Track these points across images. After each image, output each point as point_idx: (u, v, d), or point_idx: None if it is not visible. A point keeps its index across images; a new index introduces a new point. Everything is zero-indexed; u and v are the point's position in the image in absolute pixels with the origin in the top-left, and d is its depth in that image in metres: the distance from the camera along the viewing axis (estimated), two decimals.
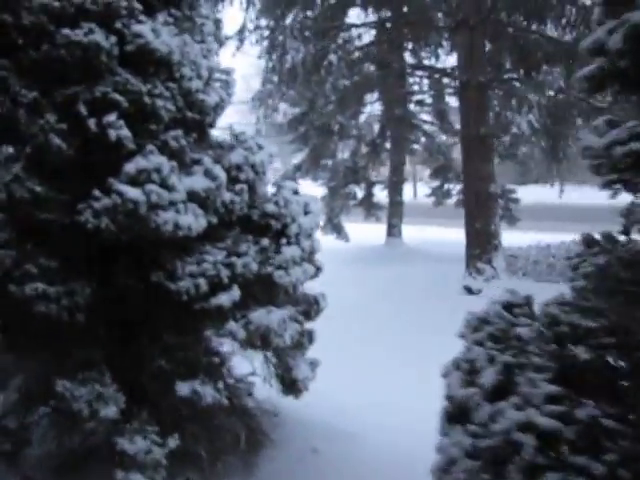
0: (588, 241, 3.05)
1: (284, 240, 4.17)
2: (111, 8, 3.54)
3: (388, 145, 16.62)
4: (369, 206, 16.47)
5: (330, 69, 10.99)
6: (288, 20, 10.95)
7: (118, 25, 3.58)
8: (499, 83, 10.56)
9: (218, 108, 4.30)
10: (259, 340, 3.88)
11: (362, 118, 16.19)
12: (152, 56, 3.57)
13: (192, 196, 3.59)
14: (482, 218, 9.96)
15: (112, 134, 3.36)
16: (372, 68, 15.17)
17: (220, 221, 3.87)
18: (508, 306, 2.94)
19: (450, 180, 16.43)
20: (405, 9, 13.70)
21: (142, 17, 3.68)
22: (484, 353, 2.34)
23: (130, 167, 3.39)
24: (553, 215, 18.46)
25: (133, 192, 3.31)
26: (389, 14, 14.21)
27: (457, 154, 16.93)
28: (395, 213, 15.99)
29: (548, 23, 11.12)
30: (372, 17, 13.52)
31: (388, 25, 14.36)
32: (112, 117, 3.37)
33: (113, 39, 3.48)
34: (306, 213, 4.38)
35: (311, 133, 14.33)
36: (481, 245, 10.03)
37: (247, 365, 4.51)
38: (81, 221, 3.34)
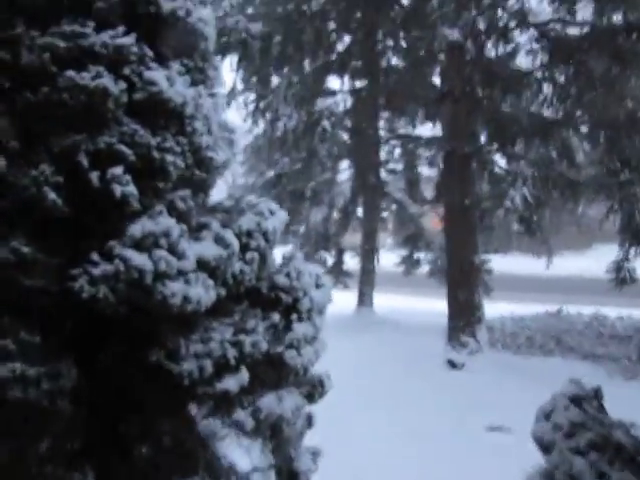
0: None
1: (295, 316, 3.73)
2: (121, 53, 3.18)
3: (360, 212, 16.52)
4: (338, 273, 16.16)
5: (324, 136, 10.86)
6: (278, 83, 10.86)
7: (127, 71, 3.21)
8: (485, 154, 10.63)
9: (223, 168, 3.95)
10: (269, 430, 3.39)
11: (335, 184, 16.11)
12: (164, 106, 3.20)
13: (201, 265, 3.15)
14: (465, 289, 9.74)
15: (117, 190, 2.93)
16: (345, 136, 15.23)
17: (228, 293, 3.43)
18: (576, 400, 2.58)
19: (420, 249, 16.37)
20: (382, 79, 13.88)
21: (153, 64, 3.34)
22: (588, 466, 1.94)
23: (136, 229, 2.95)
24: (521, 285, 18.50)
25: (139, 258, 2.86)
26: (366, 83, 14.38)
27: (427, 223, 16.97)
28: (367, 281, 15.70)
29: (525, 98, 11.34)
30: (354, 84, 13.63)
31: (364, 94, 14.50)
32: (118, 170, 2.95)
33: (123, 85, 3.10)
34: (318, 286, 3.98)
35: (284, 197, 14.08)
36: (464, 317, 9.76)
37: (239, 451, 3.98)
38: (74, 289, 2.85)
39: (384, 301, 16.61)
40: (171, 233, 3.02)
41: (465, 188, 9.92)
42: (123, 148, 3.04)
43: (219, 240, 3.33)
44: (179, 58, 3.55)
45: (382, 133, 15.29)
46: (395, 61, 14.17)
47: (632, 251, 10.68)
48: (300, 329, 3.72)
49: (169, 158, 3.22)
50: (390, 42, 13.68)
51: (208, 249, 3.24)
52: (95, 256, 2.88)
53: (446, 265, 11.05)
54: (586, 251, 23.69)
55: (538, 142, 10.67)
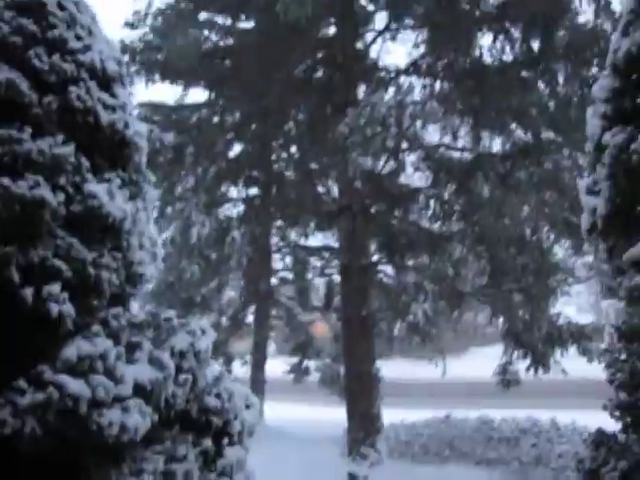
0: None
1: (226, 440, 3.52)
2: (59, 162, 3.04)
3: (250, 319, 16.30)
4: None
5: (233, 245, 10.79)
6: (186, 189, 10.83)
7: (63, 181, 3.06)
8: (381, 266, 11.04)
9: (148, 282, 3.80)
10: None
11: (226, 291, 15.87)
12: (103, 220, 3.06)
13: (138, 389, 2.92)
14: (364, 400, 9.72)
15: (54, 309, 2.70)
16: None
17: (160, 418, 3.17)
18: None
19: (310, 357, 16.28)
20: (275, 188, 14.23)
21: (89, 175, 3.22)
22: None
23: (70, 352, 2.70)
24: (406, 391, 18.75)
25: (75, 384, 2.59)
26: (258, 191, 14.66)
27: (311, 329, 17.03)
28: (257, 391, 15.22)
29: (411, 212, 12.06)
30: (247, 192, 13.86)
31: (257, 201, 14.75)
32: (55, 288, 2.73)
33: (61, 196, 2.94)
34: (247, 407, 3.80)
35: (175, 304, 13.62)
36: (364, 428, 9.67)
37: None
38: None
39: (274, 411, 16.12)
40: (108, 356, 2.80)
41: (362, 300, 10.20)
42: (58, 263, 2.84)
43: (154, 361, 3.12)
44: (114, 170, 3.45)
45: (274, 241, 15.51)
46: (288, 171, 14.65)
47: (514, 354, 11.29)
48: (231, 454, 3.51)
49: (104, 275, 3.04)
50: (284, 153, 14.21)
51: (144, 372, 3.01)
52: (22, 382, 2.58)
53: (342, 375, 11.06)
54: (463, 355, 24.72)
55: (427, 255, 11.28)
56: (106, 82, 3.59)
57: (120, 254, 3.20)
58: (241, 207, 14.47)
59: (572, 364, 11.09)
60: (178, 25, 12.15)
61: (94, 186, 3.06)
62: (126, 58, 11.67)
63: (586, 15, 10.40)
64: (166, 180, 10.62)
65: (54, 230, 2.94)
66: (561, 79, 10.48)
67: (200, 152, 10.84)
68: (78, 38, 3.65)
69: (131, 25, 11.91)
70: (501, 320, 11.25)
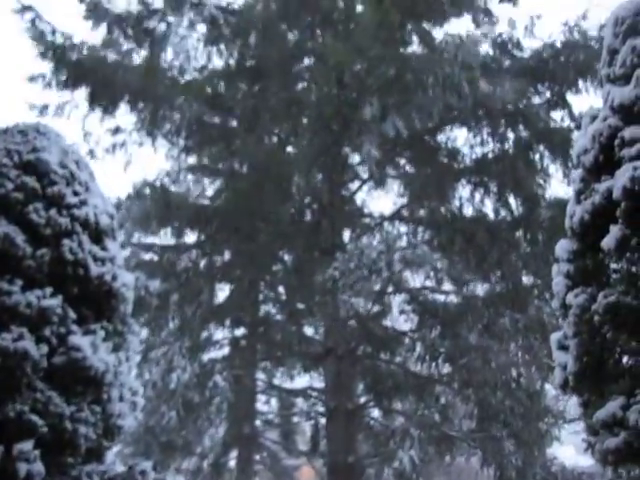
0: None
1: None
2: (45, 314, 3.12)
3: (232, 464, 15.51)
4: None
5: (215, 390, 10.58)
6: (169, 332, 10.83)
7: (48, 332, 3.12)
8: (367, 410, 10.80)
9: (125, 434, 3.74)
10: None
11: (207, 434, 15.25)
12: (85, 373, 3.08)
13: None
14: None
15: (22, 469, 2.64)
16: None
17: None
18: None
19: None
20: (261, 329, 14.18)
21: (74, 327, 3.28)
22: None
23: None
24: None
25: None
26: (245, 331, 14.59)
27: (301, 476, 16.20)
28: None
29: (398, 355, 12.01)
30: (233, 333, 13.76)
31: (243, 342, 14.63)
32: (27, 446, 2.69)
33: (44, 349, 2.99)
34: None
35: (154, 448, 13.05)
36: None
37: None
38: None
39: None
40: None
41: (349, 445, 9.85)
42: (35, 419, 2.82)
43: None
44: (100, 321, 3.52)
45: (259, 383, 15.18)
46: (274, 311, 14.70)
47: None
48: None
49: (82, 430, 3.01)
50: (271, 294, 14.35)
51: None
52: None
53: None
54: None
55: (414, 398, 11.09)
56: (98, 235, 3.77)
57: (100, 407, 3.18)
58: (226, 349, 14.33)
59: None
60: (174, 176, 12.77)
61: (78, 338, 3.11)
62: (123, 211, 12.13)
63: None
64: (151, 323, 10.64)
65: (34, 383, 2.95)
66: (541, 239, 10.95)
67: (185, 299, 10.97)
68: (75, 194, 3.88)
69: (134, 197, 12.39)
70: (493, 467, 10.80)
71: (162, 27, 12.28)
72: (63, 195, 3.80)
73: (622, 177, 2.41)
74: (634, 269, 2.42)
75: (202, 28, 12.90)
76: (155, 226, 12.34)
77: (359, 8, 11.32)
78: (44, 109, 11.70)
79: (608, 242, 2.45)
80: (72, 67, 11.12)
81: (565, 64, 10.85)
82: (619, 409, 2.49)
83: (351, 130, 10.13)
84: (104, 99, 11.57)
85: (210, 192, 13.93)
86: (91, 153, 12.03)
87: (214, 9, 13.01)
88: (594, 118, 2.81)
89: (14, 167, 3.77)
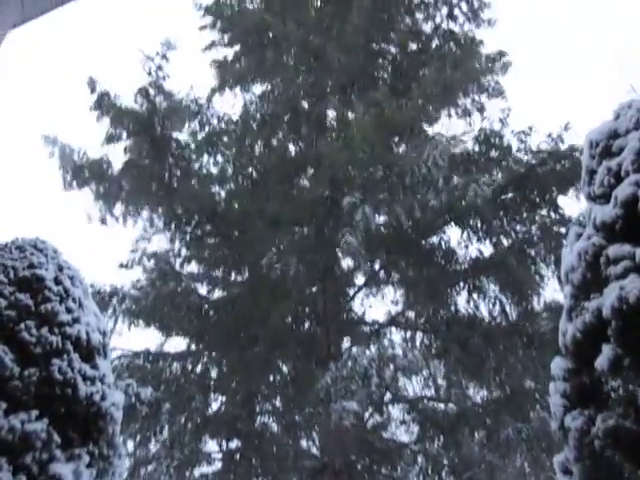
0: None
1: None
2: (28, 440, 3.02)
3: None
4: None
5: None
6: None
7: (28, 460, 3.00)
8: None
9: None
10: None
11: None
12: None
13: None
14: None
15: None
16: None
17: None
18: None
19: None
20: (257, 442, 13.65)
21: (58, 452, 3.16)
22: None
23: None
24: None
25: None
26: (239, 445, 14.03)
27: None
28: None
29: (398, 468, 11.51)
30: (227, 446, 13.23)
31: (237, 456, 14.03)
32: None
33: (23, 479, 2.86)
34: None
35: None
36: None
37: None
38: None
39: None
40: None
41: None
42: None
43: None
44: (86, 444, 3.40)
45: None
46: (271, 423, 14.24)
47: None
48: None
49: None
50: (267, 405, 13.96)
51: None
52: None
53: None
54: None
55: None
56: (89, 354, 3.73)
57: None
58: (219, 464, 13.73)
59: None
60: (169, 273, 12.82)
61: (61, 466, 2.99)
62: (114, 301, 12.11)
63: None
64: (139, 435, 10.29)
65: None
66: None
67: (177, 408, 10.69)
68: (69, 311, 3.88)
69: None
70: None
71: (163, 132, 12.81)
72: (56, 312, 3.80)
73: (610, 296, 2.43)
74: (631, 389, 2.39)
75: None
76: (145, 323, 12.26)
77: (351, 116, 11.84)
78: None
79: (601, 362, 2.43)
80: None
81: (551, 172, 11.22)
82: None
83: (341, 230, 10.29)
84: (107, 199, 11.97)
85: (205, 294, 13.92)
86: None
87: (214, 118, 13.64)
88: (579, 236, 2.88)
89: (9, 284, 3.80)
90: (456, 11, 14.10)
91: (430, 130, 12.53)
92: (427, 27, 14.34)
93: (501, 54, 13.40)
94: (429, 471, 10.77)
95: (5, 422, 3.01)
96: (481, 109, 13.56)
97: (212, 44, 14.88)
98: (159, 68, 12.30)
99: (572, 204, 11.25)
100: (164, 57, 12.23)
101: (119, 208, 12.63)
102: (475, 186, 10.00)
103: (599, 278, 2.61)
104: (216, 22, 14.80)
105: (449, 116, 13.22)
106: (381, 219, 11.76)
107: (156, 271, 12.61)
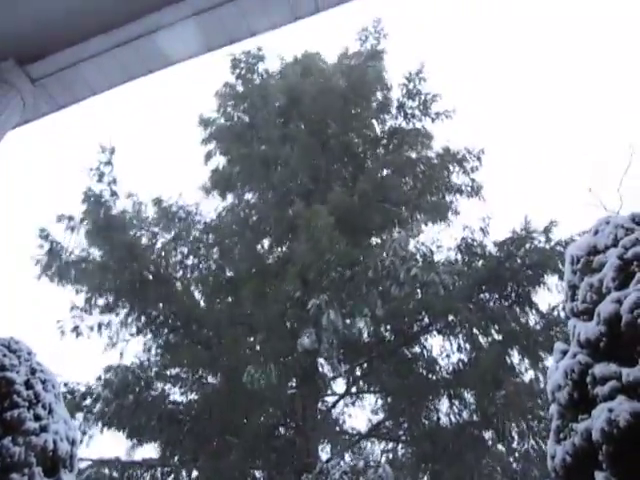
0: None
1: None
2: None
3: None
4: None
5: None
6: None
7: None
8: None
9: None
10: None
11: None
12: None
13: None
14: None
15: None
16: None
17: None
18: None
19: None
20: None
21: None
22: None
23: None
24: None
25: None
26: None
27: None
28: None
29: None
30: None
31: None
32: None
33: None
34: None
35: None
36: None
37: None
38: None
39: None
40: None
41: None
42: None
43: None
44: None
45: None
46: None
47: None
48: None
49: None
50: None
51: None
52: None
53: None
54: None
55: None
56: (54, 467, 3.53)
57: None
58: None
59: None
60: (143, 378, 12.44)
61: None
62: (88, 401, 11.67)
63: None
64: None
65: None
66: (515, 435, 10.70)
67: None
68: (37, 418, 3.70)
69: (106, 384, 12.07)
70: None
71: (149, 236, 13.00)
72: (23, 420, 3.62)
73: (599, 419, 2.37)
74: None
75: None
76: (119, 428, 11.75)
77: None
78: None
79: None
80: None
81: (522, 265, 11.31)
82: None
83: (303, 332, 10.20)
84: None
85: (179, 398, 13.49)
86: (76, 330, 12.02)
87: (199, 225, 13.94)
88: (564, 353, 2.85)
89: None
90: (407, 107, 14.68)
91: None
92: (381, 127, 14.98)
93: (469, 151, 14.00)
94: None
95: None
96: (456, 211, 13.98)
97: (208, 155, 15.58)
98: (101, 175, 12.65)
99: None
100: (108, 163, 12.69)
101: (94, 318, 12.55)
102: (434, 275, 10.07)
103: (586, 397, 2.56)
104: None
105: (423, 220, 13.49)
106: (360, 324, 11.68)
107: (129, 376, 12.24)
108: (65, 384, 11.47)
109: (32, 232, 12.60)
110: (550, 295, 11.30)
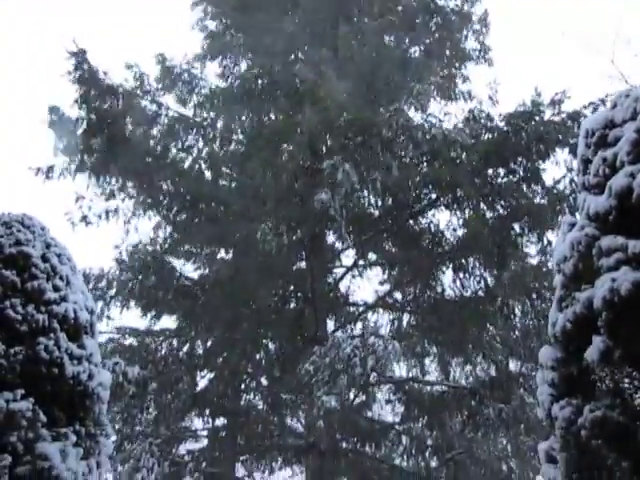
0: None
1: None
2: (13, 419, 2.99)
3: None
4: None
5: None
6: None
7: (13, 438, 2.98)
8: None
9: None
10: None
11: None
12: None
13: None
14: None
15: None
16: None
17: None
18: None
19: None
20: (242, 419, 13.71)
21: (44, 431, 3.14)
22: None
23: None
24: None
25: None
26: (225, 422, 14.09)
27: None
28: None
29: (383, 448, 11.64)
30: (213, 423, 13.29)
31: (223, 433, 14.10)
32: None
33: (8, 459, 2.84)
34: None
35: None
36: None
37: None
38: None
39: None
40: None
41: None
42: None
43: None
44: (72, 424, 3.38)
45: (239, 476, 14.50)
46: (256, 402, 14.29)
47: None
48: None
49: None
50: (253, 383, 13.99)
51: None
52: None
53: None
54: None
55: None
56: (76, 332, 3.70)
57: None
58: (204, 441, 13.78)
59: None
60: (156, 256, 12.71)
61: (47, 446, 2.98)
62: (103, 284, 12.00)
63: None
64: (125, 413, 10.29)
65: None
66: (518, 311, 10.96)
67: (164, 387, 10.68)
68: (56, 289, 3.84)
69: (118, 267, 12.30)
70: None
71: (153, 107, 12.57)
72: (43, 290, 3.75)
73: (602, 288, 2.43)
74: (619, 380, 2.40)
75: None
76: (136, 300, 12.17)
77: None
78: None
79: (591, 354, 2.43)
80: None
81: (531, 138, 11.05)
82: None
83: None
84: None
85: (192, 274, 13.84)
86: (84, 219, 12.04)
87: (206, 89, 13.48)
88: (572, 225, 2.87)
89: None
90: None
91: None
92: None
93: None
94: (413, 451, 10.91)
95: None
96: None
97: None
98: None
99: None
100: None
101: (101, 205, 12.41)
102: (454, 134, 9.80)
103: (591, 269, 2.61)
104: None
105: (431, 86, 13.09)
106: (371, 199, 11.68)
107: (142, 255, 12.49)
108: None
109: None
110: (558, 170, 11.11)
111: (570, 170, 10.52)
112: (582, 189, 3.04)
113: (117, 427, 10.21)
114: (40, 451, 2.93)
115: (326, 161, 9.69)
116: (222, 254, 14.32)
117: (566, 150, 10.61)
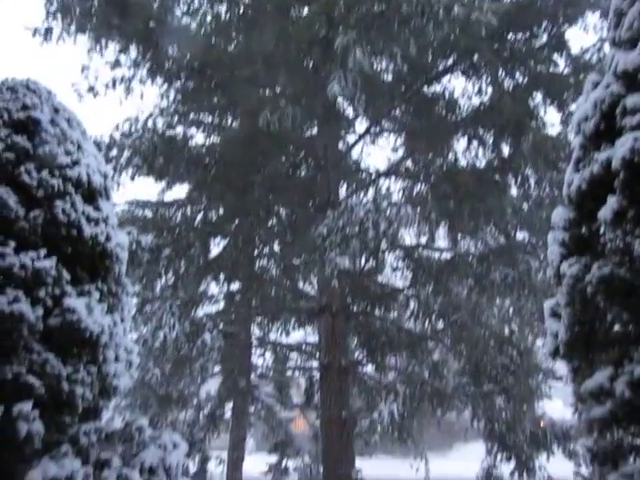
0: None
1: None
2: (39, 276, 3.11)
3: (228, 416, 15.82)
4: None
5: (203, 349, 10.69)
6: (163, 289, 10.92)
7: (42, 294, 3.12)
8: (360, 367, 11.01)
9: (122, 393, 3.78)
10: None
11: (204, 387, 15.49)
12: (80, 334, 3.09)
13: None
14: None
15: (22, 428, 2.67)
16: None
17: None
18: None
19: (289, 456, 15.73)
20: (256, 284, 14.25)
21: (68, 287, 3.28)
22: None
23: (36, 475, 2.65)
24: None
25: None
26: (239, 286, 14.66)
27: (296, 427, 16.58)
28: None
29: (392, 311, 12.12)
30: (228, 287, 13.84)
31: (238, 297, 14.72)
32: (27, 407, 2.72)
33: (40, 311, 2.99)
34: None
35: (151, 401, 13.29)
36: None
37: None
38: None
39: None
40: (75, 478, 2.75)
41: (342, 401, 10.04)
42: (32, 380, 2.84)
43: None
44: (94, 282, 3.52)
45: (255, 337, 15.34)
46: (270, 266, 14.74)
47: (498, 457, 10.92)
48: None
49: (78, 390, 3.04)
50: (266, 249, 14.36)
51: None
52: None
53: (322, 477, 10.69)
54: (448, 452, 23.92)
55: (406, 355, 11.26)
56: (91, 195, 3.74)
57: (95, 368, 3.21)
58: (221, 304, 14.41)
59: (559, 467, 10.77)
60: (167, 125, 12.55)
61: (73, 300, 3.11)
62: (114, 152, 11.95)
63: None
64: (143, 278, 10.66)
65: (31, 344, 2.96)
66: (532, 181, 10.88)
67: (178, 254, 10.96)
68: (67, 153, 3.82)
69: (127, 135, 12.14)
70: (483, 422, 11.04)
71: None
72: (55, 155, 3.74)
73: (622, 147, 2.37)
74: (629, 240, 2.41)
75: None
76: (148, 172, 12.17)
77: None
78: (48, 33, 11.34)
79: (605, 213, 2.43)
80: None
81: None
82: (607, 380, 2.53)
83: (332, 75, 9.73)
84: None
85: (202, 141, 13.71)
86: (92, 90, 11.81)
87: None
88: (596, 84, 2.75)
89: (4, 126, 3.70)
90: None
91: None
92: None
93: None
94: (420, 314, 11.36)
95: (16, 259, 3.08)
96: None
97: None
98: None
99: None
100: None
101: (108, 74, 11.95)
102: (478, 14, 9.22)
103: (612, 129, 2.53)
104: None
105: None
106: (382, 65, 11.23)
107: (151, 121, 12.28)
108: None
109: None
110: (586, 38, 10.47)
111: (601, 39, 9.89)
112: (612, 45, 2.88)
113: (137, 290, 10.63)
114: (67, 305, 3.07)
115: (339, 39, 9.20)
116: (232, 122, 14.10)
117: (597, 14, 9.93)
